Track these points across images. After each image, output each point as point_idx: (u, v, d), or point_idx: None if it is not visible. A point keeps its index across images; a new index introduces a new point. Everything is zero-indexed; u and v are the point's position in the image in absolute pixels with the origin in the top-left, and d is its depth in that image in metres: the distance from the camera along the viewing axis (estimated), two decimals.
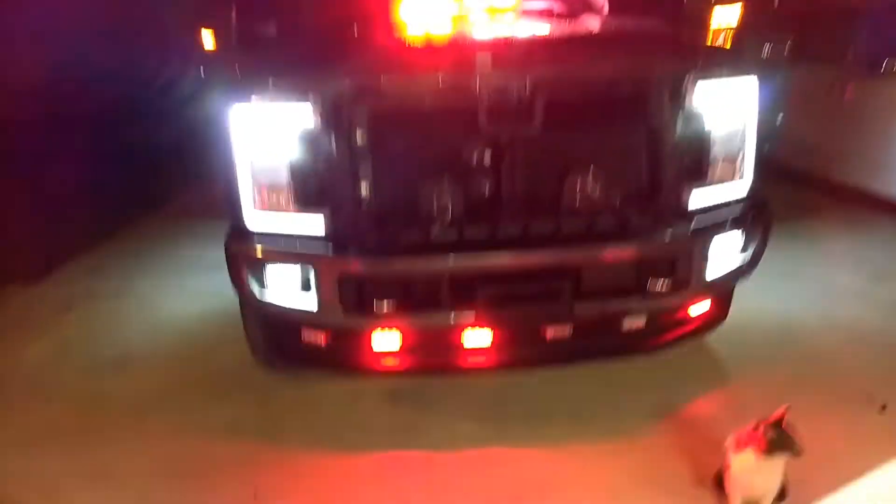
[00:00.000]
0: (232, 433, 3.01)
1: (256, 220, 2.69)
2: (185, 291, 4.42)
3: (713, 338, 3.43)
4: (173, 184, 6.14)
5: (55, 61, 4.60)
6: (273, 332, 3.02)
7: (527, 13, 3.34)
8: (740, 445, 2.33)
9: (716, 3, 4.33)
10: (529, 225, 2.59)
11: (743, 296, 3.27)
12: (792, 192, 5.56)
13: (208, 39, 3.82)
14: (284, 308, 2.68)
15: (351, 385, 3.31)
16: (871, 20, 5.23)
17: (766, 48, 5.01)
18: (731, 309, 3.26)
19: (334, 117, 2.52)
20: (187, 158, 5.47)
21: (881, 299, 4.04)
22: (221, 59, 2.95)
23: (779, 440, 2.25)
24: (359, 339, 2.82)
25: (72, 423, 3.12)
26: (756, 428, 2.29)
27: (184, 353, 3.70)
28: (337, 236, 2.61)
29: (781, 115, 5.71)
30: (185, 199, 6.17)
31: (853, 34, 5.26)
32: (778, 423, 2.26)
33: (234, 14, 3.33)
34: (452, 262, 2.56)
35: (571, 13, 3.50)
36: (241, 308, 3.07)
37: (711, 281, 2.76)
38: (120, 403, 3.27)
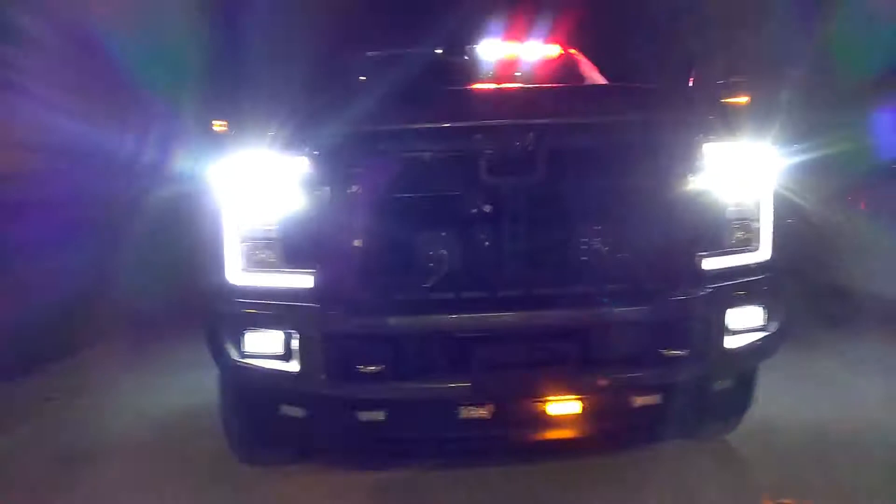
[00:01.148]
0: None
1: (240, 279, 2.56)
2: (170, 389, 4.20)
3: (734, 437, 3.16)
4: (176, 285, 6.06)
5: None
6: (254, 406, 2.79)
7: (527, 68, 3.37)
8: None
9: (723, 91, 4.33)
10: (532, 285, 2.45)
11: (767, 397, 3.06)
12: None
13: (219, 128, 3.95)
14: (266, 370, 2.49)
15: (336, 477, 3.01)
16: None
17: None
18: (755, 409, 3.01)
19: (329, 171, 2.46)
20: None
21: None
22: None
23: None
24: (345, 408, 2.58)
25: None
26: None
27: (159, 445, 3.46)
28: (327, 295, 2.47)
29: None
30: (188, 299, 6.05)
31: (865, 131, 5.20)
32: None
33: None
34: (448, 323, 2.41)
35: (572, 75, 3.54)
36: (221, 386, 2.87)
37: (731, 351, 2.55)
38: (81, 495, 2.99)
